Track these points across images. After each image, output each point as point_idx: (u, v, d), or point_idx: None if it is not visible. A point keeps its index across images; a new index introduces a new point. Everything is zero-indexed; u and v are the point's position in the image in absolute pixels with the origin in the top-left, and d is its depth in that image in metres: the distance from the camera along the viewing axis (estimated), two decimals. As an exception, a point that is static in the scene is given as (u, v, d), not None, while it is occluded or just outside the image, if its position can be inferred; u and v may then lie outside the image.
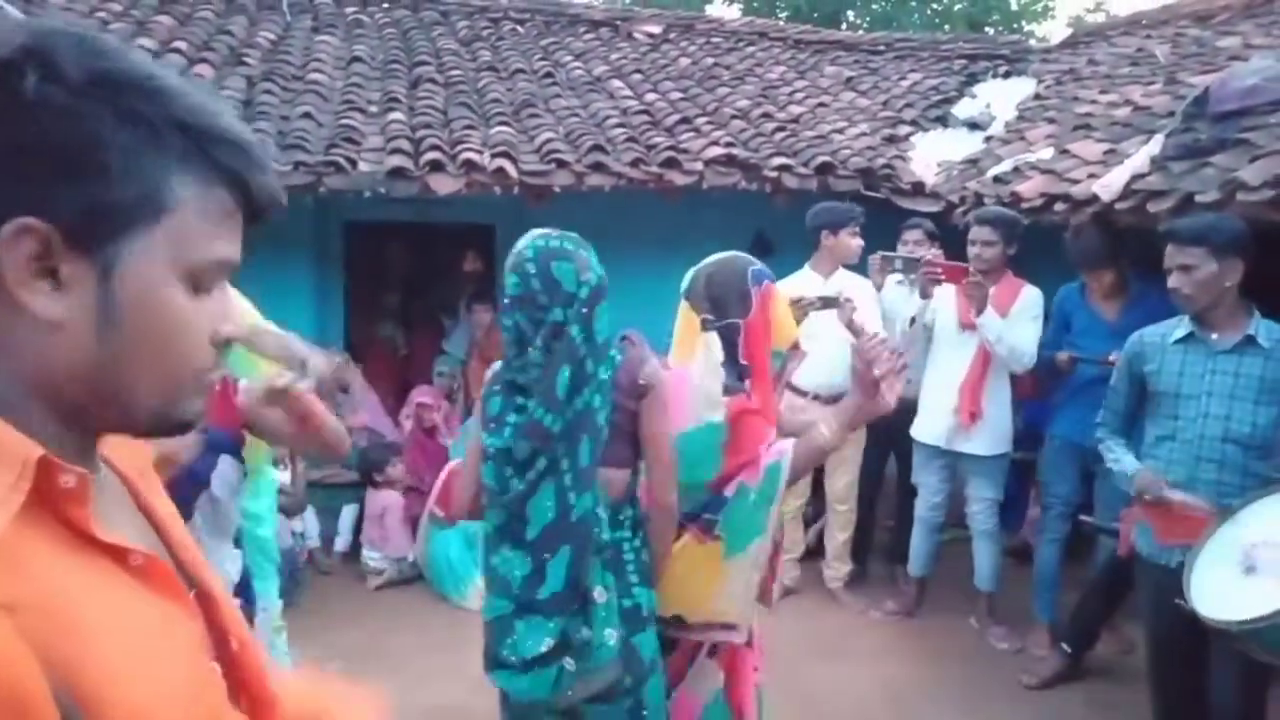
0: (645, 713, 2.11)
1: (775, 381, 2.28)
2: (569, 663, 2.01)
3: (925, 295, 3.84)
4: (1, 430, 0.64)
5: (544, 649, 1.97)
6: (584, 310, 2.00)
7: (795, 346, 2.31)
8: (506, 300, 2.03)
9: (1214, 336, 2.60)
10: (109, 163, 0.66)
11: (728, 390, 2.16)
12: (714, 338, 2.19)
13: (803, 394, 4.04)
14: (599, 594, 2.05)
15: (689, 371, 2.20)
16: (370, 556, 4.58)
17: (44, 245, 0.65)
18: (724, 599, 2.17)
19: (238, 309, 0.80)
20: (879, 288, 4.17)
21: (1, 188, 0.64)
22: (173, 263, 0.70)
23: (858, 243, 4.16)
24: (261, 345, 1.84)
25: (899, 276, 4.14)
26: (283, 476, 4.47)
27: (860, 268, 4.27)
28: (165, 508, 0.86)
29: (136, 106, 0.67)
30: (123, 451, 0.83)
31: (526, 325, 1.99)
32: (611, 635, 2.04)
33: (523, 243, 2.04)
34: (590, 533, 2.01)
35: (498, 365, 2.14)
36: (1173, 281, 2.59)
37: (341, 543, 4.74)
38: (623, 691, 2.07)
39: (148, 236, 0.68)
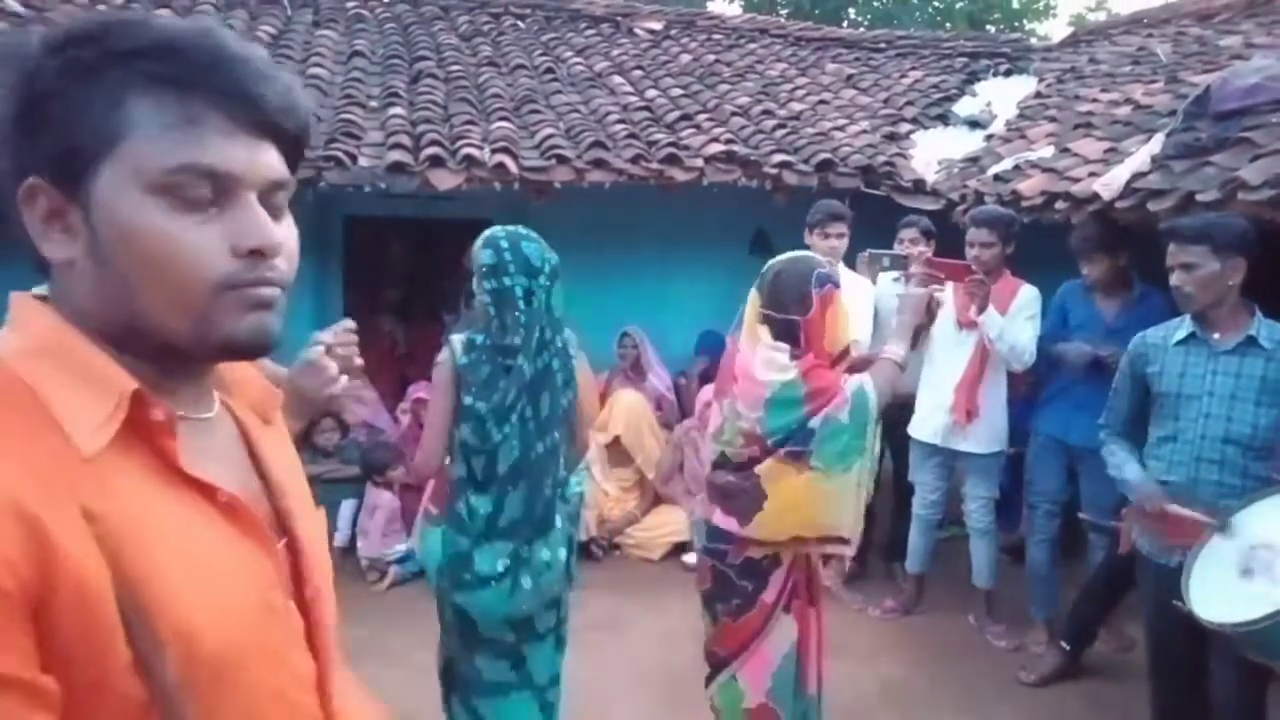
0: (563, 613, 2.61)
1: None
2: (526, 580, 2.40)
3: (919, 296, 3.83)
4: (105, 365, 0.73)
5: (500, 568, 2.37)
6: (547, 284, 2.40)
7: (845, 352, 2.50)
8: (484, 269, 2.38)
9: (1215, 337, 2.59)
10: (59, 111, 0.71)
11: (793, 356, 2.40)
12: (765, 329, 2.43)
13: None
14: (558, 521, 2.49)
15: (755, 355, 2.44)
16: (360, 549, 4.61)
17: (55, 200, 0.73)
18: (833, 514, 2.41)
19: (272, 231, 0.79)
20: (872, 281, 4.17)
21: (10, 158, 0.73)
22: (137, 181, 0.72)
23: (828, 244, 4.08)
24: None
25: (895, 274, 4.13)
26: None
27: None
28: (281, 458, 0.91)
29: (76, 53, 0.72)
30: (247, 399, 0.91)
31: (505, 291, 2.35)
32: (562, 553, 2.49)
33: (486, 233, 2.44)
34: (545, 470, 2.44)
35: (467, 336, 2.40)
36: (1174, 280, 2.58)
37: (340, 538, 4.74)
38: (559, 599, 2.56)
39: (111, 166, 0.72)
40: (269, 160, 0.78)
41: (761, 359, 2.41)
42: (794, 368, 2.37)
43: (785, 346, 2.40)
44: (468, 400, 2.35)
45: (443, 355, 2.41)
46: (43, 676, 0.64)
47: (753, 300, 2.48)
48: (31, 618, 0.63)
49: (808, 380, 2.36)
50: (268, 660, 0.78)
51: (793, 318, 2.39)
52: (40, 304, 0.77)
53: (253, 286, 0.76)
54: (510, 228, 2.45)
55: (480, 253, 2.40)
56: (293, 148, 0.82)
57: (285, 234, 0.80)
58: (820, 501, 2.38)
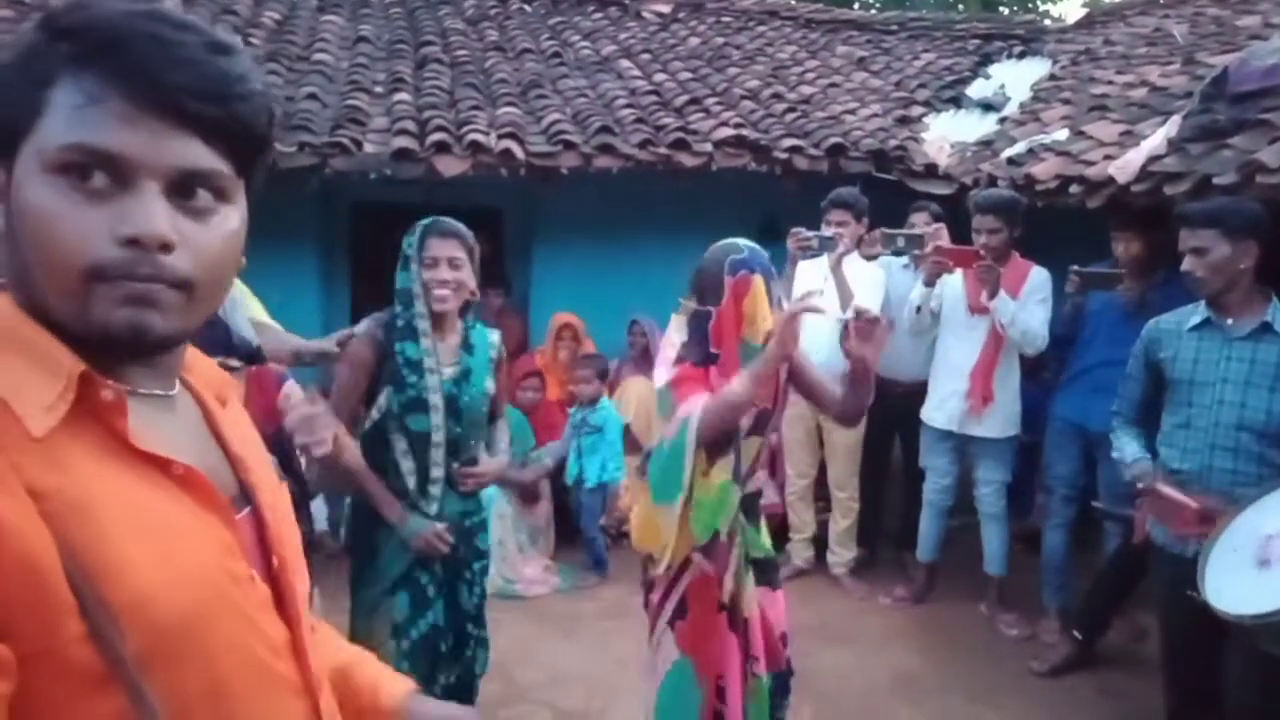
0: None
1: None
2: None
3: (929, 284, 3.80)
4: (53, 346, 0.73)
5: None
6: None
7: (769, 339, 2.22)
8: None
9: (1230, 323, 2.56)
10: (2, 90, 0.74)
11: (680, 360, 2.31)
12: (680, 321, 2.35)
13: None
14: None
15: (664, 346, 2.39)
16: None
17: (1, 177, 0.74)
18: (658, 535, 2.33)
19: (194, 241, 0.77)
20: (873, 257, 4.15)
21: None
22: (39, 159, 0.72)
23: (832, 232, 4.06)
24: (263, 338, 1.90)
25: (904, 261, 4.08)
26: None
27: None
28: (240, 432, 0.93)
29: (29, 38, 0.74)
30: (205, 378, 0.92)
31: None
32: None
33: (465, 228, 2.54)
34: None
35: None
36: (1186, 265, 2.55)
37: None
38: None
39: (29, 143, 0.73)
40: (178, 148, 0.73)
41: (660, 357, 2.35)
42: (669, 375, 2.28)
43: (677, 343, 2.31)
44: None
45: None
46: None
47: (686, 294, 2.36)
48: None
49: (675, 394, 2.25)
50: (237, 627, 0.79)
51: (708, 309, 2.26)
52: None
53: (127, 279, 0.72)
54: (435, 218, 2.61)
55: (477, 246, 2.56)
56: (235, 138, 0.76)
57: (194, 229, 0.75)
58: (652, 519, 2.32)
